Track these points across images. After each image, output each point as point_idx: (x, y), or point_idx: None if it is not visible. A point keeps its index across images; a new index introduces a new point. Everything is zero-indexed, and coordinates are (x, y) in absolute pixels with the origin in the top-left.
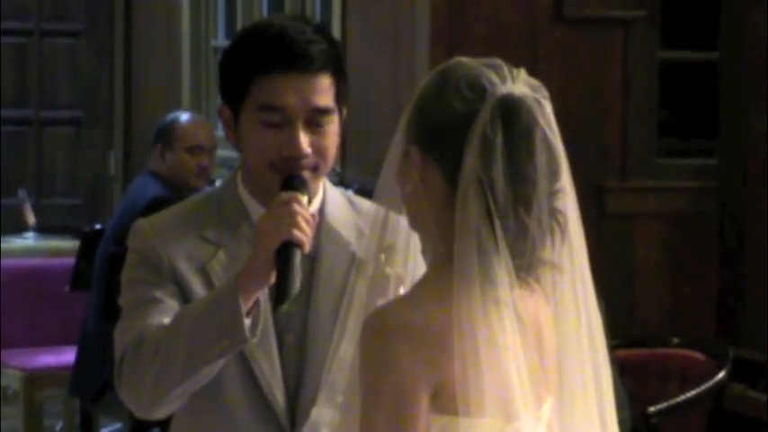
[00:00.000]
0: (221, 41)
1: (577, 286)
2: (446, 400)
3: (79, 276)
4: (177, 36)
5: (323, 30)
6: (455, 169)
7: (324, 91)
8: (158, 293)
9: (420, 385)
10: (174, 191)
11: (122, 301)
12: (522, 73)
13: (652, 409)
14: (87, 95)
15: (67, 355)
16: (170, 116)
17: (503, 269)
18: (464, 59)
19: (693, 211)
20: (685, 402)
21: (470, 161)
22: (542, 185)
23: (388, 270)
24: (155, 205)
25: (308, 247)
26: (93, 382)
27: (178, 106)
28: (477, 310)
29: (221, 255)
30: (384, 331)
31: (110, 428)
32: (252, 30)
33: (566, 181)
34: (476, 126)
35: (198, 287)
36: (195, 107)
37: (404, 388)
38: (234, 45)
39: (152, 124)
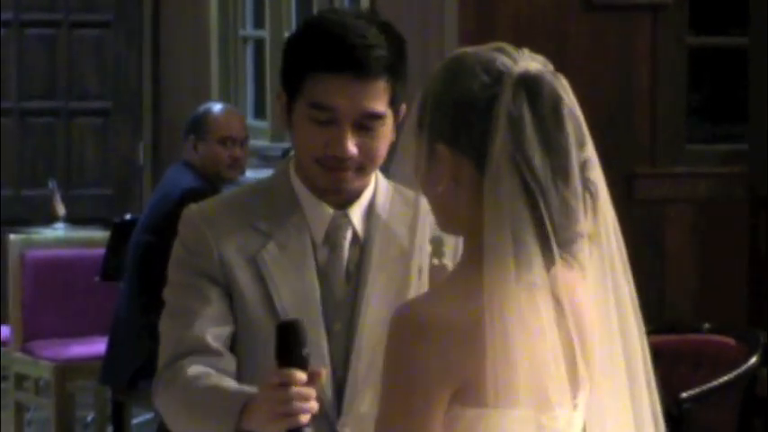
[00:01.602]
0: (250, 31)
1: (607, 260)
2: (475, 393)
3: (110, 266)
4: (206, 26)
5: (387, 29)
6: (484, 156)
7: (377, 96)
8: (205, 294)
9: (441, 384)
10: (208, 182)
11: (167, 294)
12: (527, 51)
13: (684, 395)
14: (116, 86)
15: (98, 346)
16: (202, 107)
17: (538, 250)
18: (466, 49)
19: (723, 197)
20: (717, 388)
21: (500, 142)
22: (575, 156)
23: (435, 261)
24: (189, 196)
25: (309, 416)
26: (125, 372)
27: (207, 96)
28: (510, 296)
29: (271, 246)
30: (410, 327)
31: (141, 418)
32: (316, 23)
33: (591, 150)
34: (500, 107)
35: (246, 279)
36: (224, 97)
37: (422, 385)
38: (296, 36)
39: (181, 114)
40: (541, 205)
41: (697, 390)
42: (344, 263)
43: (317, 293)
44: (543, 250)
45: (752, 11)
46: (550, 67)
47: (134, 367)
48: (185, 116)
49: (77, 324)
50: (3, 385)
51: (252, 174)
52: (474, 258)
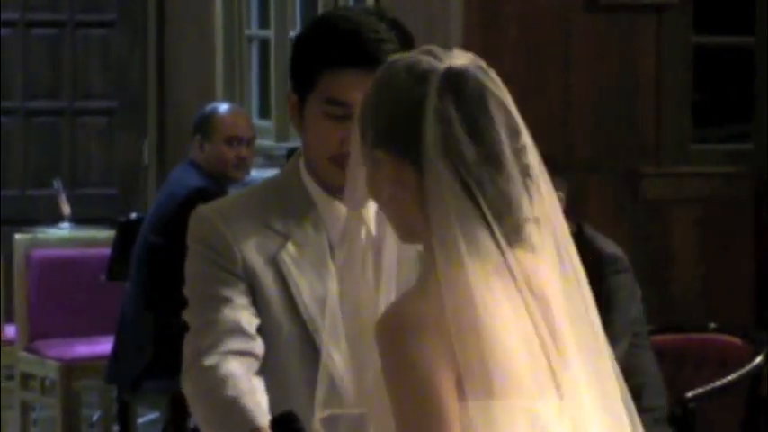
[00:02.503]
0: (255, 30)
1: (559, 239)
2: (472, 386)
3: (115, 266)
4: (210, 25)
5: (397, 26)
6: (420, 156)
7: None
8: (228, 292)
9: (443, 377)
10: (215, 181)
11: (190, 288)
12: (457, 50)
13: (689, 394)
14: (120, 85)
15: (104, 345)
16: (209, 107)
17: (488, 238)
18: (396, 56)
19: (729, 196)
20: (722, 387)
21: (431, 138)
22: (507, 144)
23: None
24: (196, 196)
25: None
26: (131, 371)
27: (211, 96)
28: (470, 286)
29: (290, 246)
30: (398, 329)
31: (147, 418)
32: (326, 21)
33: (527, 137)
34: (427, 105)
35: (268, 279)
36: (229, 96)
37: (429, 383)
38: (306, 34)
39: (186, 114)
40: (478, 196)
41: (702, 389)
42: (360, 262)
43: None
44: (494, 237)
45: (758, 10)
46: (481, 63)
47: (140, 367)
48: (190, 116)
49: (83, 323)
50: (8, 384)
51: (257, 173)
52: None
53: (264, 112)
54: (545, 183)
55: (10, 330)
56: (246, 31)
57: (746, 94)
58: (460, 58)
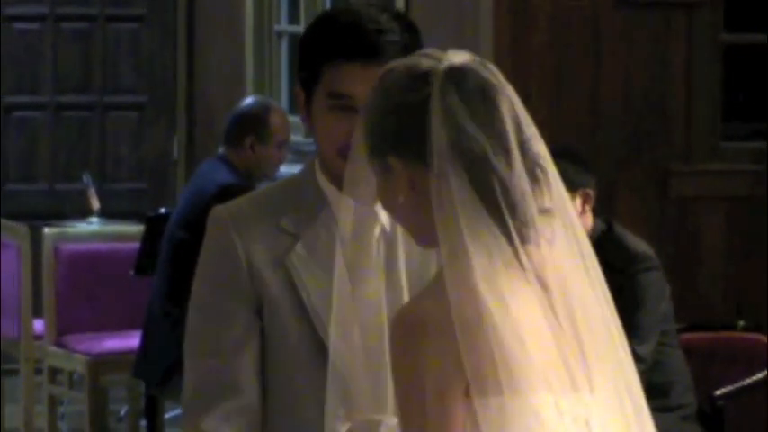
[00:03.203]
0: (284, 26)
1: (570, 229)
2: (489, 382)
3: (144, 261)
4: (240, 20)
5: (400, 17)
6: (432, 155)
7: None
8: (232, 305)
9: (452, 379)
10: (244, 178)
11: (194, 299)
12: (452, 50)
13: (718, 392)
14: (150, 80)
15: (132, 340)
16: (257, 106)
17: (499, 233)
18: (393, 62)
19: (758, 194)
20: (751, 385)
21: (439, 137)
22: (514, 135)
23: None
24: (226, 192)
25: None
26: (158, 366)
27: (241, 91)
28: (475, 283)
29: (299, 247)
30: (411, 329)
31: (174, 413)
32: (327, 15)
33: (532, 127)
34: (432, 104)
35: (276, 283)
36: (258, 91)
37: (434, 381)
38: (309, 30)
39: (215, 109)
40: (491, 191)
41: (731, 387)
42: (373, 259)
43: (348, 293)
44: (505, 233)
45: None
46: (477, 58)
47: (167, 362)
48: (220, 111)
49: (111, 318)
50: (37, 379)
51: (286, 169)
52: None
53: (294, 108)
54: (553, 172)
55: (38, 325)
56: (276, 27)
57: None
58: (459, 56)
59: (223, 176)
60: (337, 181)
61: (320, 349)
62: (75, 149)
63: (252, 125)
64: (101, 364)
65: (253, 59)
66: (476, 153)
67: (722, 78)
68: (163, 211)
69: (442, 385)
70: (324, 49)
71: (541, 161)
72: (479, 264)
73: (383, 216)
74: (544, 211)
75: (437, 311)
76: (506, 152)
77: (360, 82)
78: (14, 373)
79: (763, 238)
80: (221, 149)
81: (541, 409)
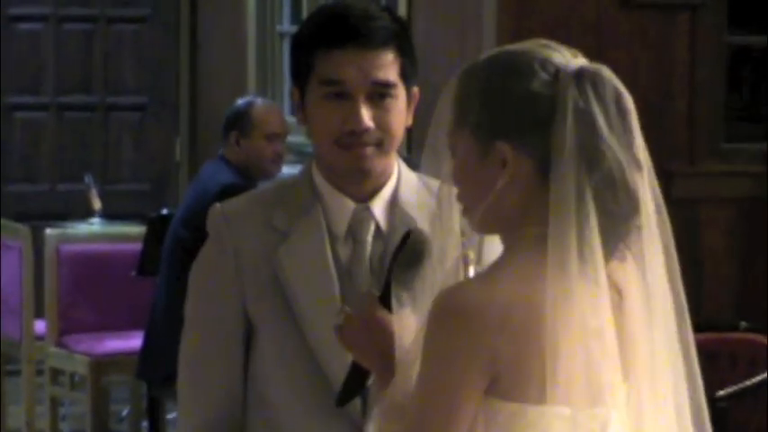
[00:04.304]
0: (287, 26)
1: (665, 244)
2: (513, 386)
3: (146, 262)
4: (243, 21)
5: (388, 9)
6: (548, 151)
7: (385, 66)
8: (221, 311)
9: (474, 368)
10: (246, 178)
11: (188, 328)
12: (565, 47)
13: (721, 393)
14: (153, 81)
15: (134, 341)
16: (242, 103)
17: (599, 245)
18: (510, 47)
19: (761, 196)
20: (754, 387)
21: (568, 139)
22: (641, 145)
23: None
24: (228, 192)
25: None
26: (161, 367)
27: (244, 92)
28: (572, 291)
29: (288, 245)
30: (449, 311)
31: (176, 413)
32: (317, 10)
33: (640, 139)
34: (567, 102)
35: (264, 281)
36: (261, 92)
37: (456, 367)
38: (300, 26)
39: (218, 109)
40: (610, 198)
41: (734, 388)
42: (368, 257)
43: (336, 290)
44: (604, 244)
45: None
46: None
47: (170, 363)
48: (222, 112)
49: (113, 319)
50: (38, 379)
51: (288, 170)
52: (518, 248)
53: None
54: (652, 187)
55: (40, 325)
56: (278, 27)
57: None
58: (579, 57)
59: (225, 177)
60: (333, 178)
61: (304, 348)
62: (77, 150)
63: (234, 120)
64: (102, 364)
65: (255, 60)
66: (609, 160)
67: (725, 80)
68: (165, 211)
69: (462, 377)
70: (315, 40)
71: (645, 175)
72: (576, 273)
73: (378, 214)
74: (640, 227)
75: (486, 300)
76: (638, 163)
77: (352, 67)
78: (16, 373)
79: (765, 240)
80: (221, 150)
81: (554, 422)
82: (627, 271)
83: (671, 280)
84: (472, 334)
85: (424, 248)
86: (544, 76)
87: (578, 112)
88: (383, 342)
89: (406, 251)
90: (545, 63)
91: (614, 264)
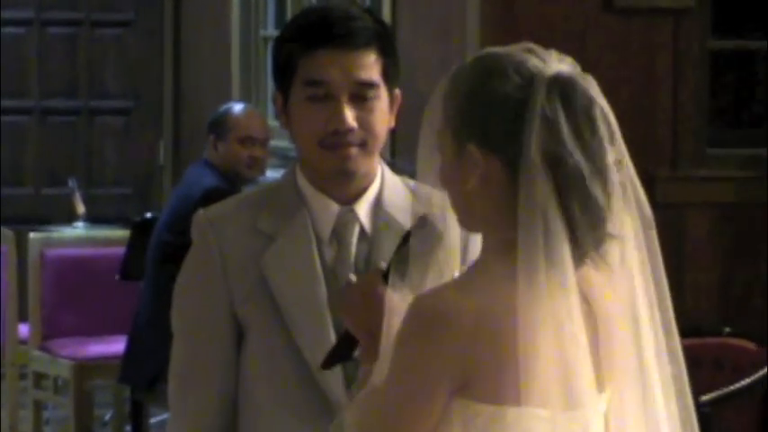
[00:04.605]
0: (271, 31)
1: (645, 257)
2: (491, 389)
3: (129, 265)
4: (227, 25)
5: (369, 11)
6: (516, 156)
7: (368, 66)
8: (211, 316)
9: (442, 373)
10: (229, 181)
11: (176, 338)
12: (554, 52)
13: (704, 398)
14: (137, 85)
15: (117, 345)
16: (223, 107)
17: (568, 250)
18: (494, 49)
19: (744, 201)
20: (737, 392)
21: (536, 143)
22: (609, 156)
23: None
24: (211, 196)
25: None
26: (145, 372)
27: (228, 96)
28: (541, 296)
29: (274, 248)
30: (423, 315)
31: (160, 417)
32: (298, 13)
33: (623, 149)
34: (534, 108)
35: (250, 284)
36: (245, 97)
37: (423, 371)
38: (282, 30)
39: (202, 114)
40: (575, 206)
41: (717, 393)
42: (353, 259)
43: (323, 292)
44: (573, 250)
45: None
46: (578, 68)
47: (154, 367)
48: (206, 116)
49: (96, 323)
50: (21, 383)
51: (272, 174)
52: (493, 252)
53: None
54: (637, 199)
55: (23, 329)
56: (262, 32)
57: (763, 98)
58: (563, 63)
59: (209, 181)
60: (317, 181)
61: (292, 348)
62: (61, 154)
63: (213, 124)
64: (86, 368)
65: (239, 64)
66: (570, 168)
67: (709, 85)
68: (149, 215)
69: (432, 379)
70: (297, 42)
71: (626, 186)
72: (545, 278)
73: (363, 216)
74: (614, 236)
75: (458, 304)
76: (601, 174)
77: (335, 68)
78: None
79: (748, 245)
80: (204, 153)
81: (533, 423)
82: (603, 279)
83: (658, 290)
84: (443, 341)
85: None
86: (517, 80)
87: (544, 119)
88: (374, 319)
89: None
90: (520, 67)
91: (588, 271)
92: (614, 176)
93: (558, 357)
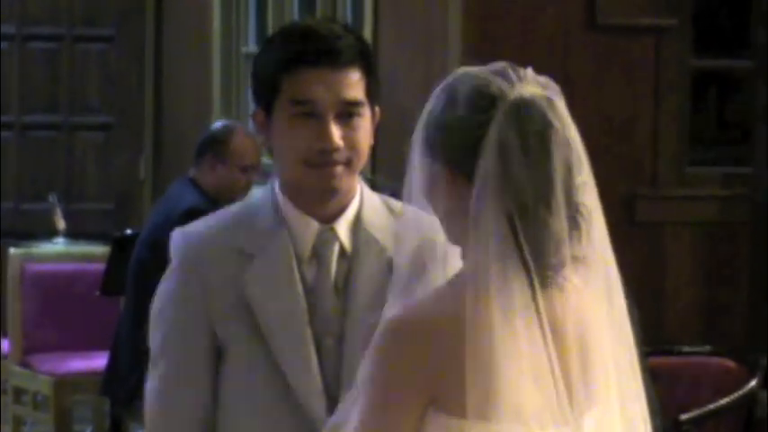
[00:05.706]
0: (252, 47)
1: (608, 281)
2: (457, 403)
3: (110, 281)
4: (208, 42)
5: (350, 29)
6: (476, 177)
7: (353, 84)
8: (190, 337)
9: (414, 386)
10: (212, 201)
11: (154, 333)
12: (530, 72)
13: (684, 416)
14: (118, 100)
15: (97, 360)
16: (221, 127)
17: (522, 273)
18: (469, 69)
19: (725, 219)
20: (717, 410)
21: (487, 166)
22: (561, 183)
23: None
24: (190, 215)
25: None
26: (125, 386)
27: (209, 111)
28: (490, 314)
29: (254, 267)
30: (394, 329)
31: None
32: (280, 30)
33: (587, 174)
34: (490, 131)
35: (231, 304)
36: (226, 113)
37: (396, 385)
38: (264, 47)
39: (183, 129)
40: (521, 231)
41: (697, 412)
42: (332, 277)
43: (304, 310)
44: (528, 274)
45: (755, 33)
46: (554, 87)
47: (134, 381)
48: (187, 132)
49: (76, 338)
50: (1, 399)
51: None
52: (465, 266)
53: None
54: (598, 223)
55: (3, 344)
56: (243, 49)
57: (744, 116)
58: (531, 86)
59: (191, 199)
60: (297, 199)
61: (274, 369)
62: (41, 169)
63: (211, 144)
64: (65, 384)
65: (220, 81)
66: (519, 192)
67: (690, 103)
68: (129, 231)
69: (405, 392)
70: (282, 60)
71: (584, 209)
72: (497, 301)
73: (342, 235)
74: (578, 259)
75: (429, 318)
76: (549, 198)
77: (321, 86)
78: None
79: (728, 264)
80: (191, 171)
81: None
82: (573, 300)
83: (619, 312)
84: (413, 354)
85: None
86: (479, 102)
87: (499, 144)
88: None
89: None
90: (483, 90)
91: (555, 293)
92: (577, 199)
93: (509, 376)
